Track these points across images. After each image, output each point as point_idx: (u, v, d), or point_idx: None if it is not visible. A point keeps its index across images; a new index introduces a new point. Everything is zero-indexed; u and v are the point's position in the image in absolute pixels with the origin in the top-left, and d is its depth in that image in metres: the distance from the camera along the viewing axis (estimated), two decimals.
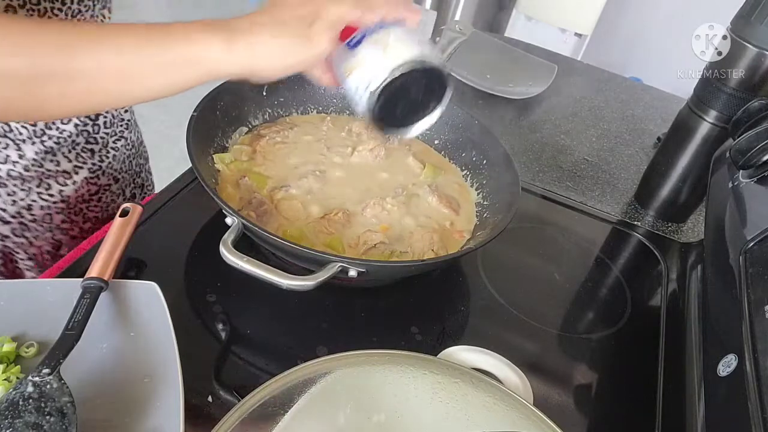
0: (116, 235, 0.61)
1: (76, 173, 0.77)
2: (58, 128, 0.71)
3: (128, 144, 0.85)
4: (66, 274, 0.62)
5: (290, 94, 0.83)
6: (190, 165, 0.63)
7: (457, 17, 2.43)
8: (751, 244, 0.54)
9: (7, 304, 0.54)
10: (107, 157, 0.80)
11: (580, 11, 2.25)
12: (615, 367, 0.70)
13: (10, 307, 0.53)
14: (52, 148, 0.71)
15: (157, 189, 0.76)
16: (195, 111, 0.68)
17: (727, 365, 0.51)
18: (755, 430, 0.42)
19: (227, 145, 0.76)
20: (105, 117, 0.78)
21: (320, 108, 0.86)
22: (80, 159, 0.76)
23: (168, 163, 2.25)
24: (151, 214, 0.71)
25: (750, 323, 0.48)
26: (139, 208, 0.66)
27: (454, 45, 0.95)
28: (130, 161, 0.87)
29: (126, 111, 0.84)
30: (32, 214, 0.75)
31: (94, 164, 0.78)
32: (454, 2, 2.41)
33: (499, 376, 0.58)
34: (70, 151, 0.74)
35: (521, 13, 2.36)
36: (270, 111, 0.82)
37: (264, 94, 0.81)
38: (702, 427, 0.55)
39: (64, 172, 0.75)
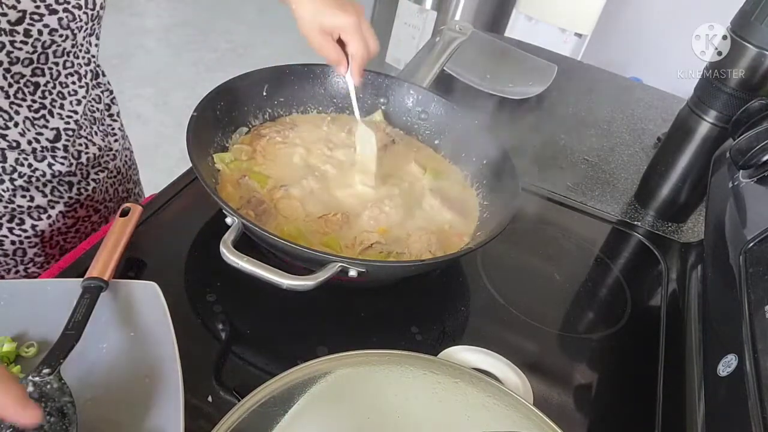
0: (116, 235, 0.61)
1: (52, 207, 0.71)
2: (30, 165, 0.66)
3: (112, 173, 0.81)
4: (66, 274, 0.62)
5: (290, 93, 0.83)
6: (190, 165, 0.63)
7: (457, 17, 2.43)
8: (751, 244, 0.54)
9: (7, 304, 0.54)
10: (86, 190, 0.76)
11: (580, 11, 2.25)
12: (615, 367, 0.70)
13: (10, 307, 0.53)
14: (22, 186, 0.67)
15: (157, 189, 0.76)
16: (195, 111, 0.68)
17: (727, 365, 0.51)
18: (755, 430, 0.42)
19: (227, 144, 0.76)
20: (87, 153, 0.73)
21: (320, 108, 0.86)
22: (56, 193, 0.71)
23: (168, 163, 2.26)
24: (151, 214, 0.71)
25: (750, 323, 0.48)
26: (139, 208, 0.66)
27: (454, 45, 0.94)
28: (115, 189, 0.83)
29: (116, 140, 0.80)
30: (3, 249, 0.70)
31: (71, 197, 0.73)
32: (454, 2, 2.41)
33: (499, 376, 0.58)
34: (45, 185, 0.69)
35: (521, 13, 2.35)
36: (270, 111, 0.82)
37: (264, 94, 0.81)
38: (702, 427, 0.55)
39: (38, 207, 0.70)
